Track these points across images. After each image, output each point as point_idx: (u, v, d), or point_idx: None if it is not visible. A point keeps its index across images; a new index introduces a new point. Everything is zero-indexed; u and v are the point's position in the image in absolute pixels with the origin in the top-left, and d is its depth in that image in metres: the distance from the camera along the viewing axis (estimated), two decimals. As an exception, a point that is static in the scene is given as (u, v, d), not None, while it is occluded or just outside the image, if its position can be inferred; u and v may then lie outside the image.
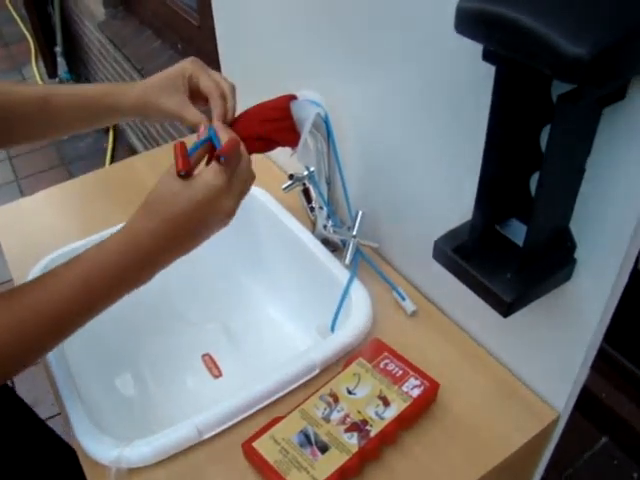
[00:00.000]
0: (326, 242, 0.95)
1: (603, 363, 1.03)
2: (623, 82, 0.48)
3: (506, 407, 0.75)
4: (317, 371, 0.78)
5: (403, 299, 0.87)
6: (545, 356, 0.72)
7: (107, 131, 3.25)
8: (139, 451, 0.69)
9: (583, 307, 0.63)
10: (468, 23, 0.47)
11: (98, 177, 1.23)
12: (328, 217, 0.93)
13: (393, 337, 0.81)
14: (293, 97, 0.81)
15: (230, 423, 0.73)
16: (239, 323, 1.03)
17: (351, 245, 0.88)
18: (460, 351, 0.81)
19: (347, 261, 0.88)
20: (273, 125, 0.80)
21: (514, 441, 0.71)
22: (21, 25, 4.64)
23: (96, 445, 0.70)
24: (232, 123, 0.79)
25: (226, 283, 1.07)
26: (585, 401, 0.78)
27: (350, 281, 0.86)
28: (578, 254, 0.61)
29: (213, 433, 0.72)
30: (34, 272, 0.92)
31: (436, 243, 0.64)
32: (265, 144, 0.80)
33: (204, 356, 0.98)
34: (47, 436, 1.09)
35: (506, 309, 0.58)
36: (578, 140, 0.53)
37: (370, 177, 0.90)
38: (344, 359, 0.79)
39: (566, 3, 0.42)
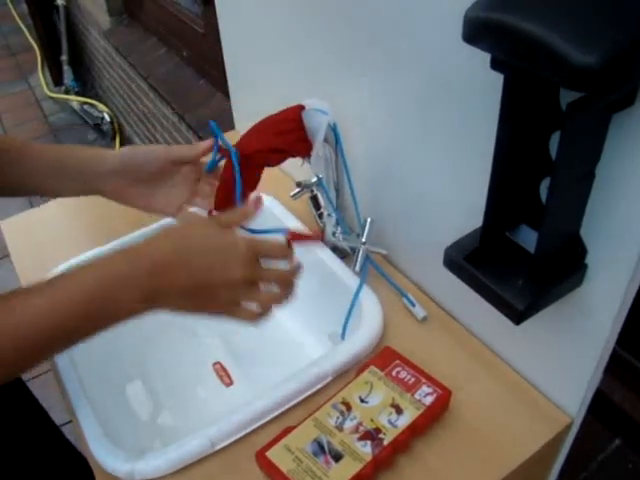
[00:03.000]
0: (335, 249, 0.95)
1: (615, 365, 1.02)
2: (632, 88, 0.47)
3: (519, 413, 0.75)
4: (329, 379, 0.78)
5: (413, 305, 0.87)
6: (558, 362, 0.71)
7: (113, 139, 3.27)
8: (152, 463, 0.69)
9: (595, 312, 0.63)
10: (476, 32, 0.47)
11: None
12: (337, 224, 0.93)
13: (404, 343, 0.81)
14: (302, 107, 0.81)
15: (243, 433, 0.73)
16: (249, 331, 1.03)
17: (360, 252, 0.88)
18: (472, 356, 0.81)
19: (357, 268, 0.88)
20: (287, 137, 0.80)
21: (527, 447, 0.71)
22: (27, 35, 4.67)
23: (110, 458, 0.70)
24: (245, 137, 0.79)
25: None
26: (598, 403, 0.77)
27: (360, 288, 0.86)
28: (589, 259, 0.60)
29: (226, 443, 0.72)
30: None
31: (447, 251, 0.64)
32: (279, 156, 0.81)
33: (215, 364, 0.98)
34: (60, 443, 1.10)
35: (518, 317, 0.58)
36: (588, 146, 0.53)
37: (378, 184, 0.90)
38: (356, 366, 0.79)
39: (574, 12, 0.42)
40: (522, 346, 0.76)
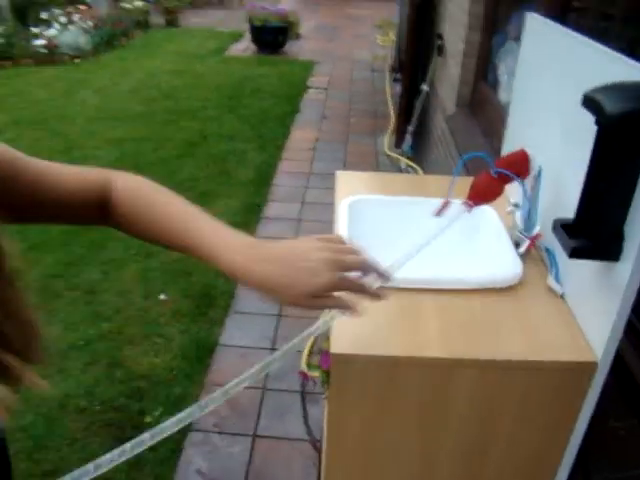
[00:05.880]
0: (517, 245, 1.49)
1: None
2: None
3: (561, 331, 1.19)
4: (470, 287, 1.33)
5: (557, 281, 1.34)
6: (594, 309, 1.15)
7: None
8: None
9: (620, 280, 1.06)
10: (583, 102, 1.03)
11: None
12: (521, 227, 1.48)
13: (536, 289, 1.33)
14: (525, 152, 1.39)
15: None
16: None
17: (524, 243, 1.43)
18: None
19: (520, 250, 1.43)
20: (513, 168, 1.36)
21: (552, 356, 1.14)
22: (390, 106, 5.89)
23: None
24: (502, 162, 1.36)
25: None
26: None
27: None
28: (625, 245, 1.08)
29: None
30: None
31: (554, 221, 1.17)
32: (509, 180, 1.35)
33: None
34: None
35: (570, 251, 1.09)
36: (622, 168, 1.03)
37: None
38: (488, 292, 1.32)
39: (617, 88, 0.98)
40: (580, 296, 1.22)
